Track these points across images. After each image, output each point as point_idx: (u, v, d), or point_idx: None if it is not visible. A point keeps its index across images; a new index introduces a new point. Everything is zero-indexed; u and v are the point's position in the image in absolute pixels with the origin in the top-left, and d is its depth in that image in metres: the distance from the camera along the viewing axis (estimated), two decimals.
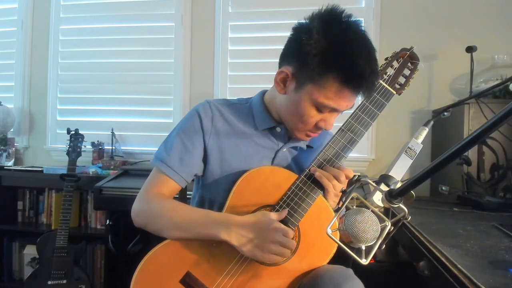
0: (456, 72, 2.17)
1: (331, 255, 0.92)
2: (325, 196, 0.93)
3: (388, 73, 0.95)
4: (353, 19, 0.87)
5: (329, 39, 0.84)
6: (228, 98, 1.11)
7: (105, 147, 2.47)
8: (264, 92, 1.08)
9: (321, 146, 1.07)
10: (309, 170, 0.92)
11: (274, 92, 0.99)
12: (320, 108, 0.89)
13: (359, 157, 2.26)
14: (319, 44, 0.84)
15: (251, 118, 1.03)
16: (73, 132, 2.15)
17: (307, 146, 1.07)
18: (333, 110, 0.90)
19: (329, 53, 0.83)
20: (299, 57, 0.87)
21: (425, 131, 0.92)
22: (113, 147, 2.44)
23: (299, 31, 0.90)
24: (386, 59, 0.97)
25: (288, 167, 1.03)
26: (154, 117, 2.52)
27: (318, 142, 1.09)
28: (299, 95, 0.90)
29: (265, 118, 1.02)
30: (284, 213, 0.89)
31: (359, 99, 0.93)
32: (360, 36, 0.87)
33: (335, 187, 0.90)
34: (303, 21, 0.90)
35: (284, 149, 1.02)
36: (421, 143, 0.90)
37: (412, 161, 0.88)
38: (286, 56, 0.93)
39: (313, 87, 0.87)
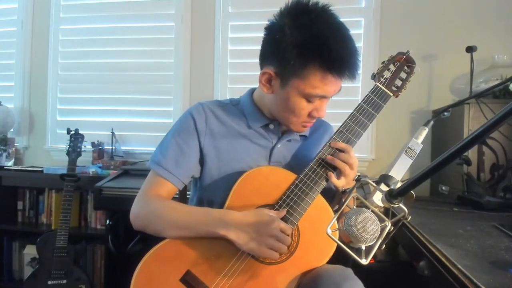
0: (456, 72, 2.17)
1: (330, 254, 0.92)
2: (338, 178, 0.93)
3: (385, 76, 0.96)
4: (320, 5, 0.90)
5: (301, 31, 0.86)
6: (220, 99, 1.12)
7: (105, 147, 2.47)
8: (252, 91, 1.09)
9: (316, 137, 1.07)
10: (308, 170, 0.92)
11: (262, 92, 1.00)
12: (309, 99, 0.91)
13: (359, 157, 2.25)
14: (294, 38, 0.87)
15: (244, 118, 1.04)
16: (73, 132, 2.14)
17: (301, 135, 1.08)
18: (322, 97, 0.92)
19: (305, 45, 0.86)
20: (277, 55, 0.90)
21: (425, 131, 0.92)
22: (113, 147, 2.44)
23: (271, 30, 0.93)
24: (383, 62, 0.98)
25: (285, 162, 1.04)
26: (154, 117, 2.52)
27: (315, 134, 1.10)
28: (286, 91, 0.92)
29: (257, 117, 1.03)
30: (282, 212, 0.89)
31: (358, 99, 0.93)
32: (331, 21, 0.89)
33: (347, 172, 0.91)
34: (273, 19, 0.93)
35: (279, 145, 1.03)
36: (421, 143, 0.90)
37: (412, 161, 0.88)
38: (265, 57, 0.95)
39: (298, 80, 0.89)
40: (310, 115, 0.95)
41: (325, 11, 0.90)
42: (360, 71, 0.92)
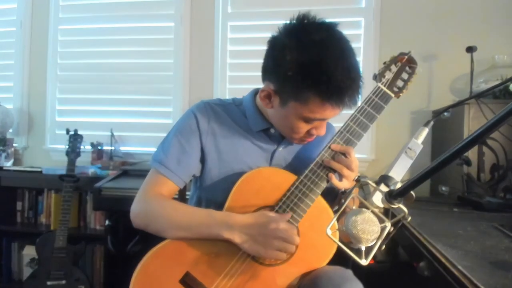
0: (456, 72, 2.17)
1: (331, 256, 0.92)
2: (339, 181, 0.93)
3: (386, 77, 0.95)
4: (326, 25, 0.86)
5: (302, 57, 0.83)
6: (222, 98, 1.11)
7: (104, 148, 2.46)
8: (255, 92, 1.07)
9: (318, 138, 1.07)
10: (308, 171, 0.92)
11: None
12: (307, 121, 0.91)
13: (359, 157, 2.24)
14: (294, 63, 0.83)
15: (246, 119, 1.03)
16: (72, 133, 2.14)
17: None
18: (321, 119, 0.91)
19: (305, 72, 0.83)
20: (277, 74, 0.88)
21: (425, 132, 0.92)
22: (112, 148, 2.44)
23: (273, 46, 0.90)
24: (384, 63, 0.97)
25: (286, 164, 1.03)
26: (153, 118, 2.52)
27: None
28: (285, 111, 0.91)
29: (258, 120, 1.02)
30: (287, 216, 0.89)
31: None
32: (335, 45, 0.84)
33: (347, 174, 0.91)
34: (277, 34, 0.90)
35: (280, 149, 1.03)
36: (421, 143, 0.90)
37: (412, 161, 0.87)
38: (266, 71, 0.93)
39: (296, 104, 0.87)
40: (308, 132, 0.95)
41: (330, 34, 0.85)
42: (360, 95, 0.89)
